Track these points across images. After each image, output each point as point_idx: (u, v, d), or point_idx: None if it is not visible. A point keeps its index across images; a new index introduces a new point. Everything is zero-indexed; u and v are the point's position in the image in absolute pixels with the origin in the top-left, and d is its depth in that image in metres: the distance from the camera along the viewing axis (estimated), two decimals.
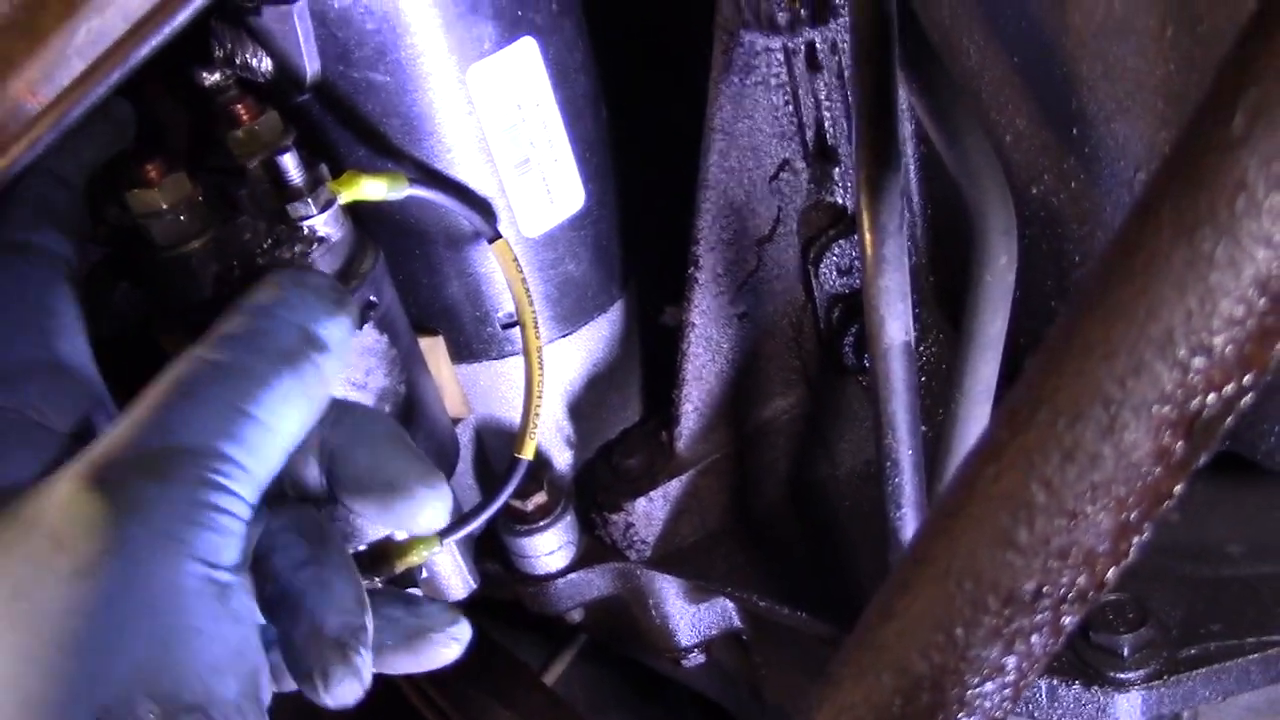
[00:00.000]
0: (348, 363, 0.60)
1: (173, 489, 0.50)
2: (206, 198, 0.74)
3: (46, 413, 0.58)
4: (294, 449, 0.56)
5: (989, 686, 0.38)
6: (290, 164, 0.72)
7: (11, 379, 0.57)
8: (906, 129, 0.81)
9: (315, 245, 0.74)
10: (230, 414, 0.53)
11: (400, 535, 0.81)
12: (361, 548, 0.78)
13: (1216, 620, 0.79)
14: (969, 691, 0.38)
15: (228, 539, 0.51)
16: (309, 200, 0.73)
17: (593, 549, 0.96)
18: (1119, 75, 0.63)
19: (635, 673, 1.29)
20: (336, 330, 0.59)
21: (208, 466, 0.51)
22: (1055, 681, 0.78)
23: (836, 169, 0.83)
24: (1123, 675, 0.77)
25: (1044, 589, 0.36)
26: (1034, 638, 0.37)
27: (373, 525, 0.73)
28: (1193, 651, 0.78)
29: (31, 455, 0.56)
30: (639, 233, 0.93)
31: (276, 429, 0.54)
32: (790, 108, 0.81)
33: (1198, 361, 0.33)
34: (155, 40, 0.55)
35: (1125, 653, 0.77)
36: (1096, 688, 0.77)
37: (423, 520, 0.62)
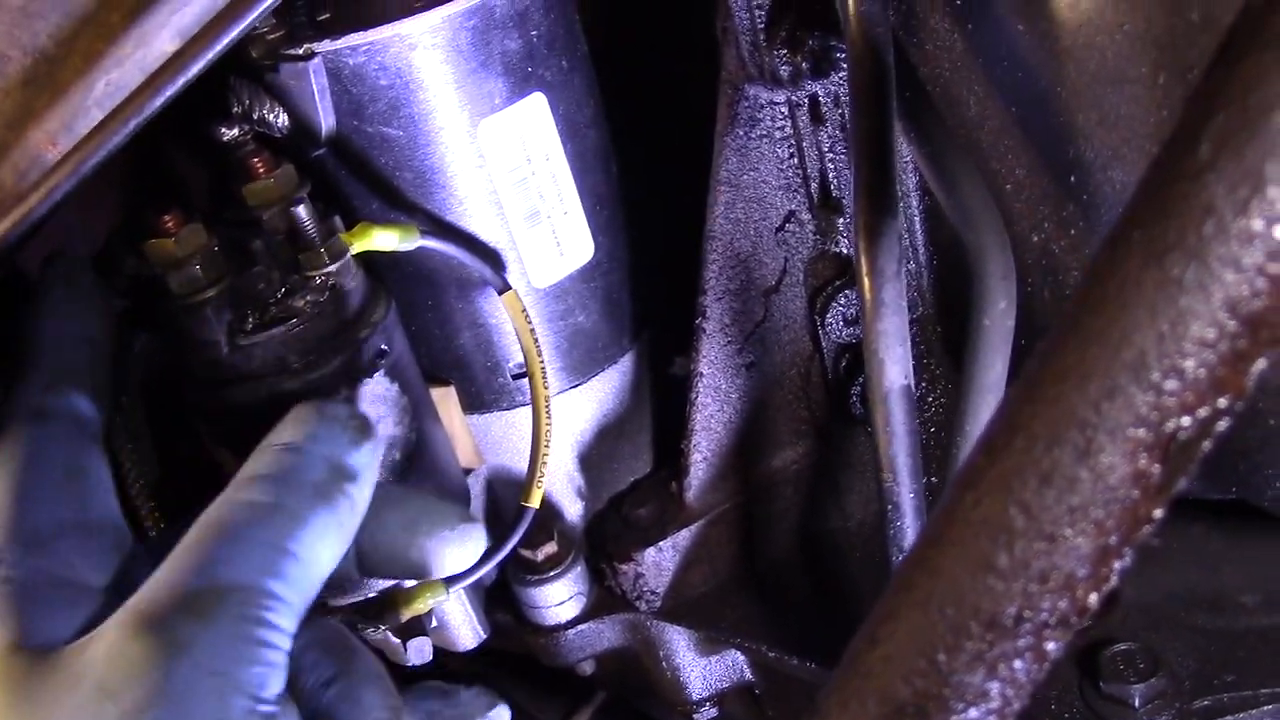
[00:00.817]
0: (372, 487, 0.62)
1: (217, 626, 0.52)
2: (222, 248, 0.76)
3: (81, 569, 0.59)
4: (329, 576, 0.59)
5: (973, 713, 0.38)
6: (304, 215, 0.74)
7: (45, 541, 0.59)
8: (911, 181, 0.82)
9: (327, 295, 0.75)
10: (269, 552, 0.55)
11: (409, 583, 0.82)
12: (370, 594, 0.79)
13: (1230, 671, 0.79)
14: (953, 718, 0.38)
15: (272, 671, 0.53)
16: (322, 251, 0.75)
17: (603, 600, 0.96)
18: (1114, 124, 0.63)
19: None
20: (363, 458, 0.62)
21: (250, 603, 0.53)
22: None
23: (841, 220, 0.84)
24: None
25: (1025, 613, 0.36)
26: (1017, 663, 0.37)
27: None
28: (1206, 703, 0.77)
29: (71, 612, 0.57)
30: (650, 285, 0.94)
31: (313, 561, 0.57)
32: (795, 160, 0.82)
33: (1170, 384, 0.34)
34: (170, 91, 0.57)
35: (1136, 703, 0.76)
36: None
37: (451, 559, 0.66)
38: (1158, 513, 0.36)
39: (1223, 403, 0.34)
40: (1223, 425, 0.35)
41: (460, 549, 0.66)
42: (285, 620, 0.54)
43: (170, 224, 0.74)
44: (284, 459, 0.60)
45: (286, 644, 0.54)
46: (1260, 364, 0.34)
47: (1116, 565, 0.36)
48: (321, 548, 0.57)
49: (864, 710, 0.39)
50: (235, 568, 0.54)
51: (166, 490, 0.81)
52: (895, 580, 0.39)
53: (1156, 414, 0.34)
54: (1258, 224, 0.32)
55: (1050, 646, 0.37)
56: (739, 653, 0.96)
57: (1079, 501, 0.35)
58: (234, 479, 0.59)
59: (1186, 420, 0.34)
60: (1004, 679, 0.37)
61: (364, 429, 0.63)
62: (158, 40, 0.60)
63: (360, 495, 0.61)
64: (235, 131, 0.80)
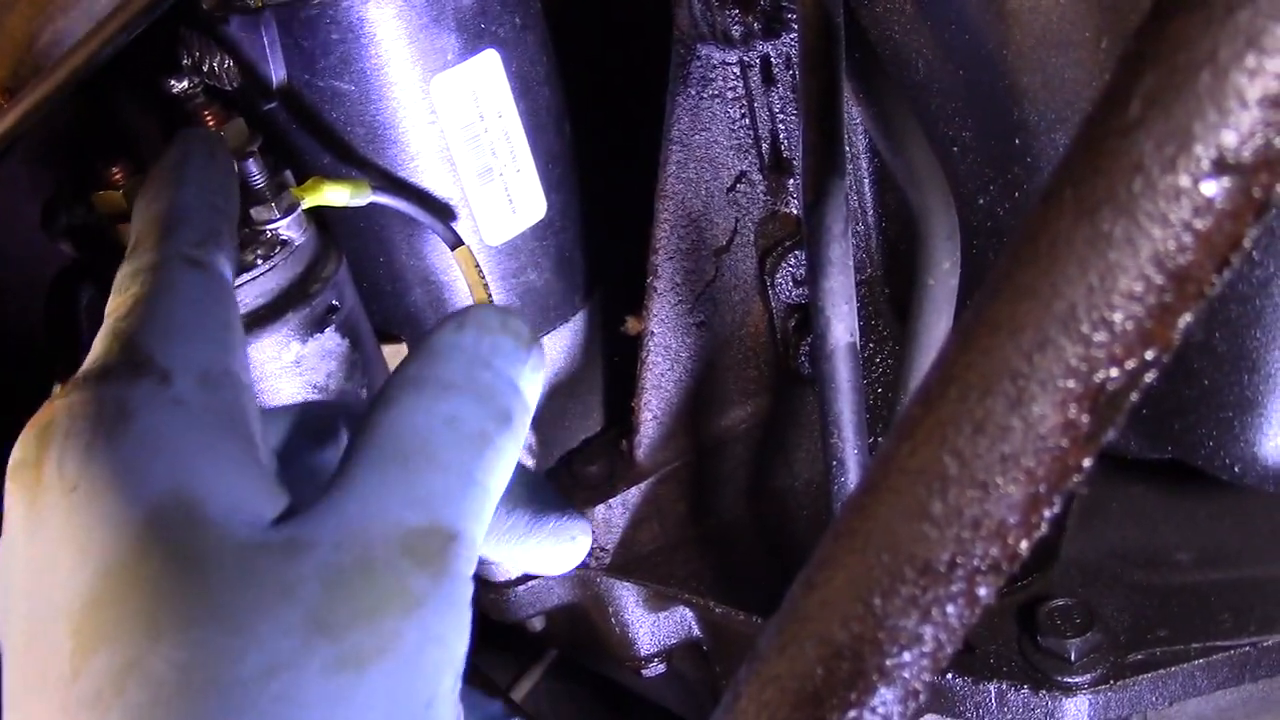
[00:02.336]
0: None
1: (447, 588, 0.44)
2: None
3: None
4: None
5: (907, 656, 0.39)
6: (254, 169, 0.74)
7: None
8: (861, 143, 0.83)
9: (278, 249, 0.75)
10: (476, 491, 0.47)
11: None
12: None
13: (1164, 626, 0.81)
14: (888, 661, 0.39)
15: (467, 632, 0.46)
16: (272, 205, 0.75)
17: None
18: (1058, 87, 0.64)
19: (602, 690, 1.30)
20: (536, 389, 0.52)
21: (464, 557, 0.45)
22: (1004, 686, 0.79)
23: (792, 181, 0.85)
24: (1070, 679, 0.78)
25: (958, 559, 0.37)
26: (949, 608, 0.38)
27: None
28: (1139, 656, 0.79)
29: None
30: (602, 244, 0.95)
31: (496, 499, 0.49)
32: (746, 120, 0.83)
33: (1099, 336, 0.34)
34: (120, 41, 0.56)
35: (1073, 657, 0.78)
36: (1044, 692, 0.78)
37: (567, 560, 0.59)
38: (1086, 462, 0.36)
39: (1150, 355, 0.35)
40: (1150, 377, 0.36)
41: (572, 554, 0.59)
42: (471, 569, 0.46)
43: (118, 175, 0.74)
44: (474, 372, 0.49)
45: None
46: (1186, 318, 0.35)
47: (1046, 513, 0.37)
48: (502, 486, 0.48)
49: (801, 653, 0.40)
50: (453, 507, 0.45)
51: None
52: (833, 527, 0.40)
53: (1086, 365, 0.35)
54: (1184, 181, 0.33)
55: (982, 591, 0.38)
56: (687, 609, 0.97)
57: (1010, 450, 0.36)
58: (419, 374, 0.48)
59: (1115, 372, 0.35)
60: (937, 623, 0.38)
61: (540, 359, 0.53)
62: None
63: (525, 432, 0.52)
64: (185, 84, 0.79)
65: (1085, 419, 0.36)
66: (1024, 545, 0.38)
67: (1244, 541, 0.86)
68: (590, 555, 0.95)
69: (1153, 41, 0.33)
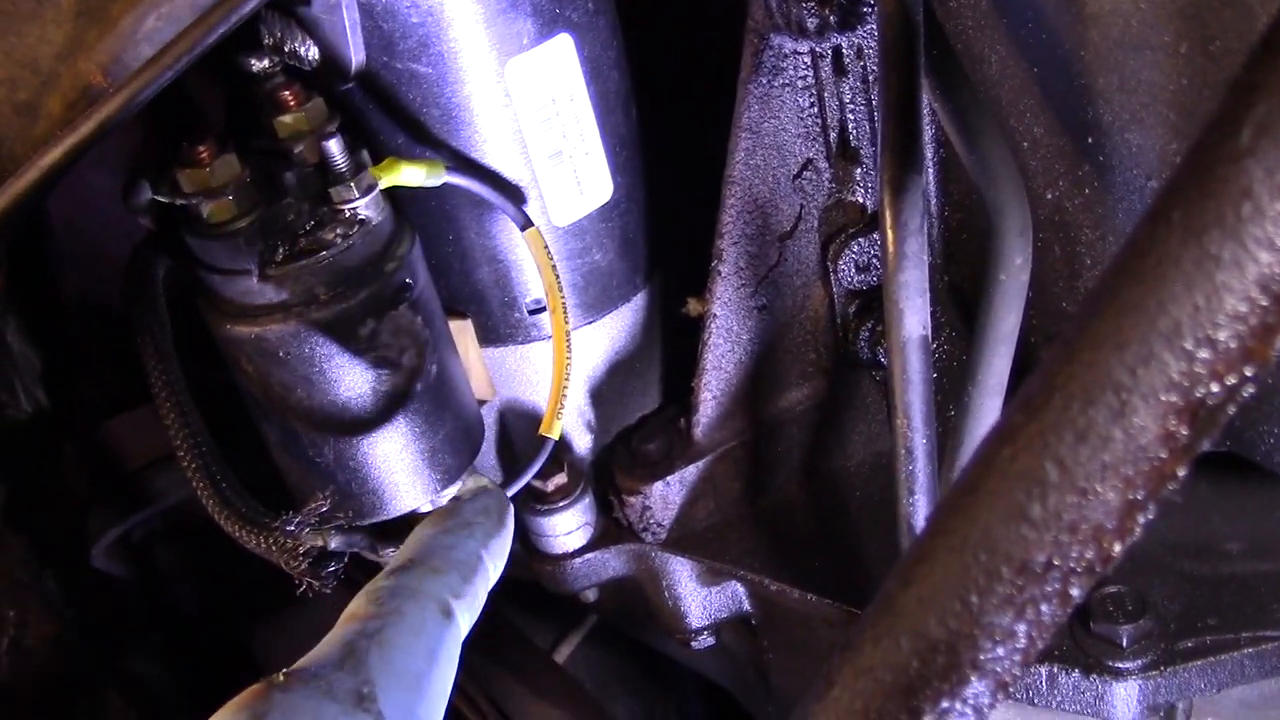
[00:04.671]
0: None
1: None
2: (253, 179, 0.77)
3: None
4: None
5: (1000, 651, 0.40)
6: (335, 149, 0.76)
7: None
8: (927, 133, 0.84)
9: (356, 228, 0.77)
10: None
11: (425, 508, 0.84)
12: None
13: (1213, 615, 0.82)
14: (982, 655, 0.40)
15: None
16: (352, 185, 0.76)
17: (609, 530, 0.99)
18: (1134, 88, 0.65)
19: (640, 655, 1.33)
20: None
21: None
22: (1055, 669, 0.81)
23: (858, 169, 0.86)
24: (1121, 664, 0.80)
25: (1055, 560, 0.39)
26: (1044, 606, 0.40)
27: None
28: (1189, 644, 0.81)
29: None
30: (665, 226, 0.96)
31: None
32: (815, 109, 0.84)
33: (1203, 353, 0.36)
34: (222, 29, 0.58)
35: (1124, 643, 0.80)
36: (1095, 676, 0.80)
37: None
38: (1181, 471, 0.38)
39: (1249, 371, 0.36)
40: (1247, 391, 0.37)
41: None
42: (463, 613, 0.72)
43: (204, 154, 0.76)
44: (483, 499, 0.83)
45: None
46: None
47: (1141, 518, 0.39)
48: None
49: (897, 646, 0.42)
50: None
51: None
52: (930, 525, 0.42)
53: (1188, 380, 0.36)
54: None
55: (1075, 592, 0.40)
56: (739, 584, 0.99)
57: (1111, 459, 0.38)
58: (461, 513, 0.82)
59: (1216, 387, 0.36)
60: (1031, 620, 0.40)
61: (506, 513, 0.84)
62: None
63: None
64: (265, 63, 0.81)
65: (1184, 431, 0.37)
66: (1118, 549, 0.39)
67: None
68: (647, 530, 0.97)
69: (1265, 72, 0.35)
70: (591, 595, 1.04)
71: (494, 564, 0.79)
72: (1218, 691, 0.82)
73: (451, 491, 0.87)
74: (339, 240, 0.77)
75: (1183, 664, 0.80)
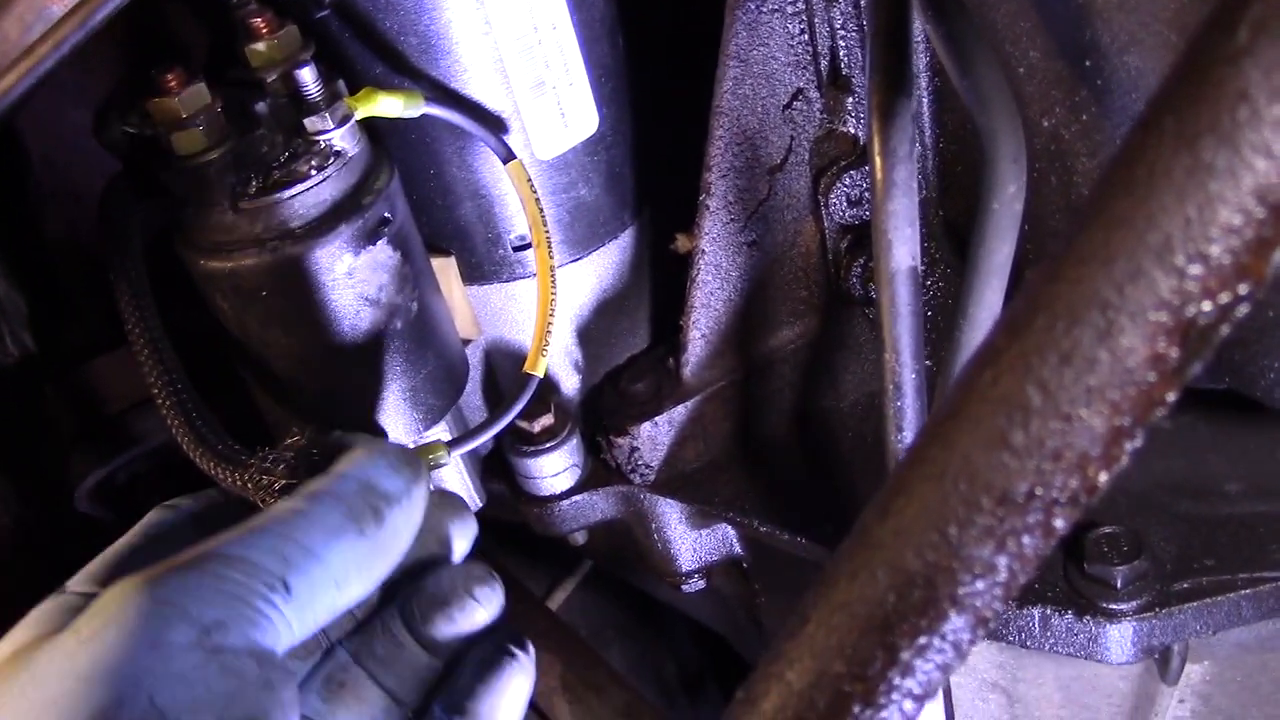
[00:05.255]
0: (416, 520, 0.65)
1: (195, 574, 0.55)
2: (225, 109, 0.75)
3: None
4: (360, 586, 0.61)
5: (980, 585, 0.39)
6: (309, 78, 0.73)
7: None
8: (921, 61, 0.82)
9: (331, 160, 0.75)
10: (281, 542, 0.58)
11: (407, 442, 0.83)
12: None
13: (1211, 556, 0.81)
14: (961, 589, 0.39)
15: (239, 621, 0.55)
16: (326, 115, 0.74)
17: (597, 472, 0.98)
18: (1134, 7, 0.63)
19: (634, 601, 1.32)
20: (398, 484, 0.65)
21: (244, 570, 0.56)
22: (1048, 610, 0.79)
23: (850, 99, 0.84)
24: (1115, 606, 0.78)
25: (1037, 490, 0.37)
26: (1025, 539, 0.38)
27: None
28: (1185, 585, 0.79)
29: None
30: (652, 160, 0.94)
31: (334, 564, 0.59)
32: (805, 36, 0.81)
33: (1194, 269, 0.34)
34: None
35: (1118, 584, 0.78)
36: (1089, 617, 0.78)
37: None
38: (1171, 396, 0.36)
39: (1243, 289, 0.34)
40: (1241, 311, 0.35)
41: (485, 610, 0.70)
42: (286, 605, 0.57)
43: (173, 83, 0.73)
44: (322, 480, 0.64)
45: (284, 627, 0.56)
46: None
47: (1128, 446, 0.37)
48: (344, 554, 0.60)
49: (873, 580, 0.40)
50: (240, 545, 0.57)
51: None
52: (909, 455, 0.40)
53: (1179, 298, 0.34)
54: None
55: (1059, 523, 0.38)
56: (729, 527, 0.98)
57: (1096, 382, 0.36)
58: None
59: (1208, 305, 0.34)
60: (1012, 553, 0.38)
61: (407, 461, 0.66)
62: None
63: (398, 519, 0.64)
64: None
65: (1175, 353, 0.35)
66: (1104, 478, 0.37)
67: None
68: (635, 472, 0.95)
69: None
70: (581, 538, 1.03)
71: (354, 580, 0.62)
72: (1214, 634, 0.81)
73: (436, 432, 0.85)
74: (314, 172, 0.74)
75: (1178, 605, 0.78)
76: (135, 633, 0.53)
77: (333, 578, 0.59)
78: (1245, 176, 0.33)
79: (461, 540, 0.72)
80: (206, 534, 0.63)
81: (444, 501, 0.72)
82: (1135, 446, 0.37)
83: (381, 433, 0.82)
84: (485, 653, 0.69)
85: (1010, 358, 0.37)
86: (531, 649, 0.70)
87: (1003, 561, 0.38)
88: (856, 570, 0.41)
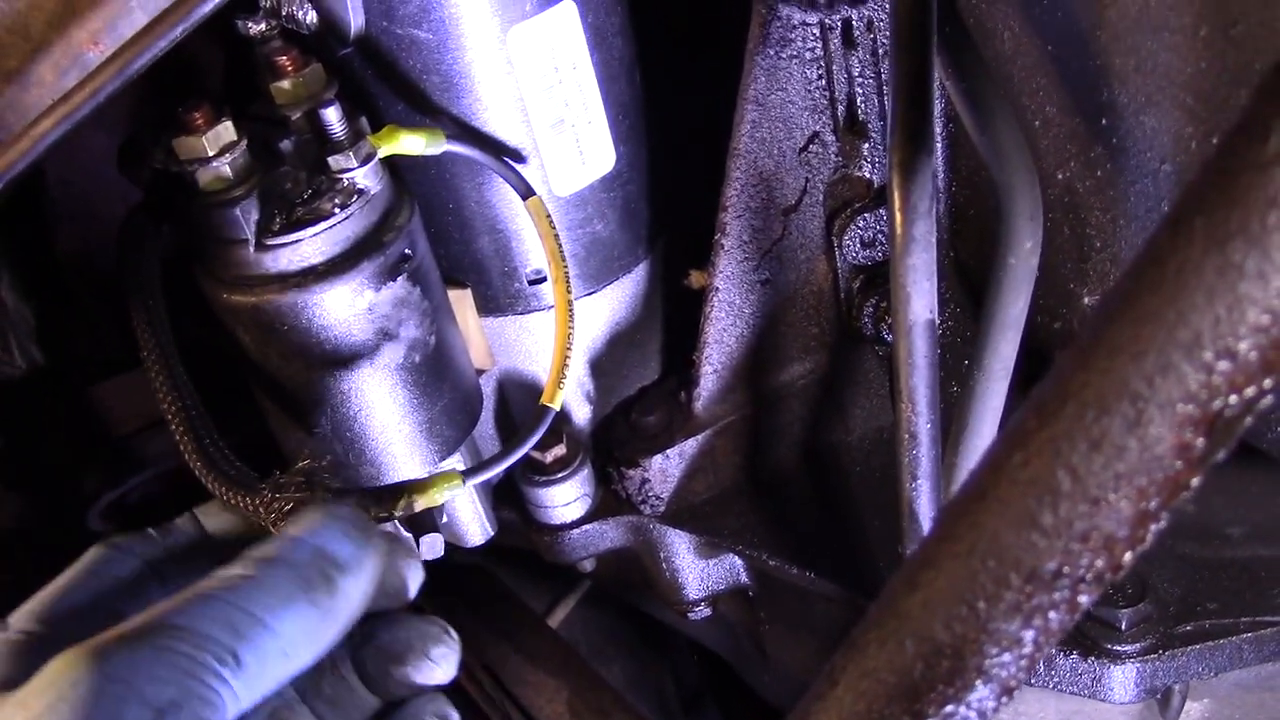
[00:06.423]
0: (369, 587, 0.64)
1: (144, 648, 0.54)
2: (250, 147, 0.76)
3: None
4: (309, 653, 0.60)
5: (1006, 657, 0.40)
6: (333, 117, 0.74)
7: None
8: (936, 107, 0.83)
9: (354, 198, 0.76)
10: (231, 610, 0.57)
11: (423, 474, 0.83)
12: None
13: (1213, 599, 0.82)
14: (988, 661, 0.40)
15: (190, 701, 0.54)
16: (350, 153, 0.75)
17: (608, 502, 0.98)
18: (1151, 70, 0.64)
19: (635, 619, 1.32)
20: (353, 552, 0.63)
21: (192, 642, 0.55)
22: (1054, 650, 0.80)
23: (865, 144, 0.85)
24: (1119, 647, 0.79)
25: (1065, 569, 0.38)
26: (1052, 614, 0.39)
27: None
28: (1188, 628, 0.80)
29: None
30: (667, 197, 0.95)
31: (283, 633, 0.58)
32: (823, 82, 0.82)
33: (1223, 365, 0.35)
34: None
35: (1123, 626, 0.79)
36: (1093, 658, 0.80)
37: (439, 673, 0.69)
38: (1195, 481, 0.37)
39: (1268, 384, 0.36)
40: (1265, 404, 0.36)
41: (443, 670, 0.69)
42: (236, 679, 0.56)
43: (200, 120, 0.74)
44: (274, 545, 0.62)
45: (231, 700, 0.56)
46: None
47: (1153, 528, 0.38)
48: (294, 623, 0.59)
49: (901, 649, 0.41)
50: (190, 616, 0.56)
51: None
52: (936, 530, 0.41)
53: (1206, 392, 0.35)
54: None
55: (1084, 599, 0.39)
56: (737, 557, 0.99)
57: (1125, 468, 0.37)
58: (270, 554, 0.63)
59: (1234, 399, 0.35)
60: (1038, 628, 0.39)
61: (361, 529, 0.65)
62: None
63: (349, 586, 0.62)
64: (262, 26, 0.79)
65: (1201, 442, 0.36)
66: (1129, 558, 0.39)
67: None
68: (645, 503, 0.96)
69: None
70: (589, 565, 1.04)
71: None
72: (1215, 675, 0.82)
73: (451, 463, 0.86)
74: (337, 210, 0.75)
75: (1181, 648, 0.80)
76: (89, 716, 0.52)
77: (282, 648, 0.58)
78: (1274, 278, 0.34)
79: (412, 584, 0.71)
80: (148, 573, 0.64)
81: (394, 549, 0.70)
82: (1160, 528, 0.38)
83: (399, 465, 0.82)
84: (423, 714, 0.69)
85: (1040, 441, 0.38)
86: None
87: (1029, 635, 0.40)
88: (885, 638, 0.42)
